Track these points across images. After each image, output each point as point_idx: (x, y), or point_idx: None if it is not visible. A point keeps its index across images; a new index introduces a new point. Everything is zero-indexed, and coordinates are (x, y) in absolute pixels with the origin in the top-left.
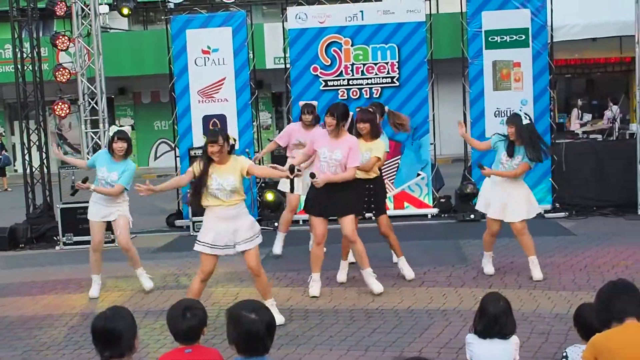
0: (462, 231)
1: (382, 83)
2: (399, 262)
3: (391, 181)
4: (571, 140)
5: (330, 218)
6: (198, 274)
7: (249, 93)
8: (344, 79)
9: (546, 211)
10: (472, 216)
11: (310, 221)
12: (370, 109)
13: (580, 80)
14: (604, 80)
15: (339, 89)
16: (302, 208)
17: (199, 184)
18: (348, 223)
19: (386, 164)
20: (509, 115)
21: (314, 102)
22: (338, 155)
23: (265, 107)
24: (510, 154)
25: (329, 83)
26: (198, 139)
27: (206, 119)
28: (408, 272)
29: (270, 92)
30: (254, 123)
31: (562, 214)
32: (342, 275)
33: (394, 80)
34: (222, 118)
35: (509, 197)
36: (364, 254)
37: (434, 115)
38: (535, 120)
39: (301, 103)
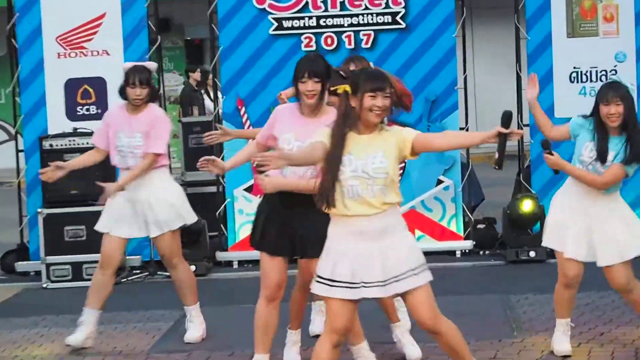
0: (515, 279)
1: (377, 24)
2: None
3: None
4: None
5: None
6: (326, 333)
7: (147, 41)
8: (310, 17)
9: None
10: (531, 254)
11: (261, 263)
12: (346, 71)
13: None
14: None
15: (302, 34)
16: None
17: (332, 163)
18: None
19: None
20: (604, 82)
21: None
22: None
23: (175, 64)
24: (604, 151)
25: (286, 24)
26: (57, 121)
27: (72, 86)
28: (412, 350)
29: (184, 38)
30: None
31: None
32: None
33: (397, 18)
34: (98, 84)
35: (599, 223)
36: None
37: (466, 79)
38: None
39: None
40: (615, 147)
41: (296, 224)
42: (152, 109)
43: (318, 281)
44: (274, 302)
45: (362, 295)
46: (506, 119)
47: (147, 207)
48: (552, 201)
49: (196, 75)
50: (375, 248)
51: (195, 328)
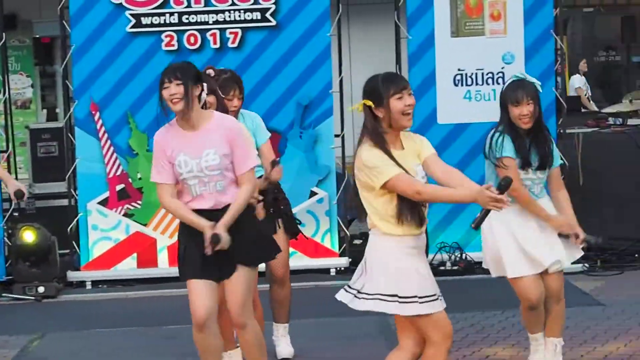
0: None
1: (245, 21)
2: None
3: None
4: (594, 130)
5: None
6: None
7: None
8: (172, 14)
9: None
10: (493, 275)
11: (189, 288)
12: (210, 72)
13: (610, 18)
14: None
15: (162, 32)
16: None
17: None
18: (238, 290)
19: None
20: (510, 81)
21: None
22: (211, 157)
23: (21, 65)
24: (528, 156)
25: (144, 20)
26: None
27: None
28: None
29: (32, 36)
30: (0, 96)
31: (577, 266)
32: None
33: (267, 15)
34: None
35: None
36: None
37: (342, 82)
38: None
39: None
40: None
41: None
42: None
43: (419, 302)
44: (205, 329)
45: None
46: (506, 186)
47: None
48: (489, 235)
49: None
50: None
51: None
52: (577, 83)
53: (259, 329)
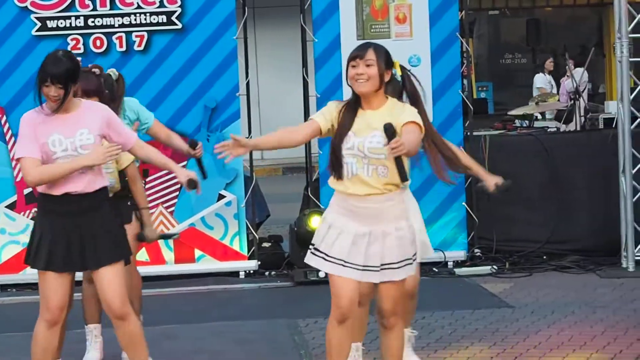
0: (304, 302)
1: (151, 24)
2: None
3: (168, 209)
4: (501, 132)
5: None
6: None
7: None
8: (77, 17)
9: (458, 263)
10: (321, 274)
11: (41, 283)
12: (95, 70)
13: (515, 21)
14: (559, 21)
15: (68, 35)
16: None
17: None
18: (114, 281)
19: (153, 179)
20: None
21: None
22: (85, 136)
23: None
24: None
25: (50, 24)
26: None
27: None
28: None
29: None
30: None
31: (485, 268)
32: None
33: (173, 18)
34: None
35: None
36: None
37: (249, 85)
38: (435, 94)
39: None
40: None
41: (81, 233)
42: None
43: (315, 253)
44: (55, 326)
45: (359, 277)
46: (390, 132)
47: None
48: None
49: None
50: (366, 231)
51: None
52: (540, 83)
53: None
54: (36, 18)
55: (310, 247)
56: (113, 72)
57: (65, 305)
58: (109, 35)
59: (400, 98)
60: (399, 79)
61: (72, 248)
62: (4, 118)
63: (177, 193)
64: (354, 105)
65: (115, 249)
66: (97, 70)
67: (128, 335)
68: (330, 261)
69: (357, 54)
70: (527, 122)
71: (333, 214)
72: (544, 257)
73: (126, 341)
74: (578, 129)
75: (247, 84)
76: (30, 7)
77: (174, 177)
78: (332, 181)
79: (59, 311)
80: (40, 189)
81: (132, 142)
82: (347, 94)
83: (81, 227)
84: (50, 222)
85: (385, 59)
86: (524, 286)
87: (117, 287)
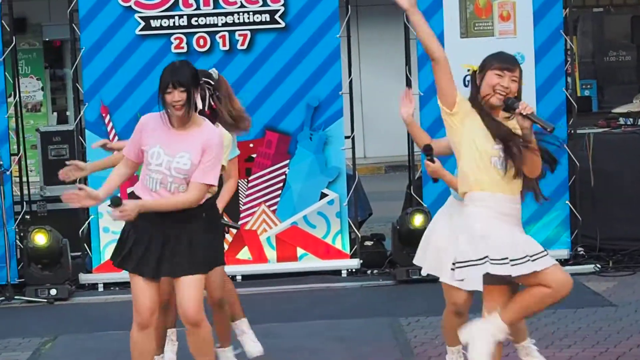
0: (406, 301)
1: (254, 23)
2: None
3: (271, 208)
4: (605, 130)
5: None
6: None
7: (0, 42)
8: (181, 16)
9: (561, 262)
10: (423, 273)
11: (132, 286)
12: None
13: (619, 18)
14: None
15: (171, 34)
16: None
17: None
18: (191, 290)
19: (256, 177)
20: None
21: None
22: (184, 160)
23: (32, 68)
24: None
25: (154, 23)
26: None
27: None
28: (252, 346)
29: (42, 39)
30: (11, 99)
31: (589, 267)
32: None
33: (276, 17)
34: None
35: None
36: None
37: (352, 83)
38: (538, 92)
39: None
40: None
41: (170, 241)
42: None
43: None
44: (147, 329)
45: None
46: (511, 102)
47: None
48: (435, 221)
49: None
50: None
51: None
52: None
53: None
54: (140, 17)
55: (480, 261)
56: (214, 72)
57: (156, 309)
58: (212, 34)
59: None
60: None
61: (151, 253)
62: (108, 117)
63: (280, 192)
64: (488, 111)
65: (201, 261)
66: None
67: (200, 342)
68: (505, 264)
69: (508, 67)
70: (631, 120)
71: (483, 222)
72: None
73: (197, 348)
74: None
75: (350, 82)
76: (134, 7)
77: (277, 176)
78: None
79: (149, 314)
80: (137, 192)
81: (195, 180)
82: None
83: (170, 236)
84: (144, 226)
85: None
86: (627, 285)
87: (195, 294)
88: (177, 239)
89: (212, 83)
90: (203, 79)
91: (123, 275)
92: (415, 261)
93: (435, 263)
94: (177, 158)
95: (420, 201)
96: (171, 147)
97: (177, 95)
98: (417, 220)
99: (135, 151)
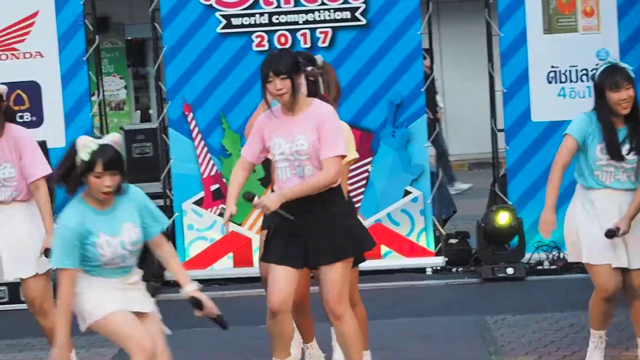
0: (492, 299)
1: (335, 20)
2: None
3: (354, 206)
4: None
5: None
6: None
7: (84, 42)
8: (262, 14)
9: None
10: (509, 271)
11: (269, 275)
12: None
13: None
14: None
15: (252, 33)
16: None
17: None
18: (336, 277)
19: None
20: (601, 66)
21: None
22: (301, 141)
23: (115, 67)
24: (618, 146)
25: (235, 21)
26: None
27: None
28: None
29: (124, 38)
30: (94, 98)
31: None
32: None
33: (357, 14)
34: (32, 89)
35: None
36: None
37: (433, 79)
38: None
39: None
40: (624, 138)
41: (306, 231)
42: (15, 130)
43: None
44: (278, 315)
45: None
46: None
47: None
48: (572, 203)
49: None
50: None
51: None
52: None
53: (356, 322)
54: (221, 16)
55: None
56: (319, 58)
57: (287, 298)
58: (293, 32)
59: None
60: None
61: (292, 244)
62: (191, 115)
63: (363, 189)
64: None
65: (339, 249)
66: (311, 77)
67: (342, 334)
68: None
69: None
70: None
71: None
72: None
73: (341, 340)
74: None
75: (432, 79)
76: (215, 5)
77: (360, 174)
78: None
79: (279, 303)
80: (275, 189)
81: (324, 155)
82: (533, 89)
83: (304, 226)
84: (276, 218)
85: None
86: None
87: (336, 285)
88: (316, 227)
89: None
90: (307, 69)
91: (208, 272)
92: (572, 259)
93: (604, 250)
94: (295, 141)
95: (505, 198)
96: (288, 133)
97: (278, 84)
98: (502, 217)
99: (255, 151)
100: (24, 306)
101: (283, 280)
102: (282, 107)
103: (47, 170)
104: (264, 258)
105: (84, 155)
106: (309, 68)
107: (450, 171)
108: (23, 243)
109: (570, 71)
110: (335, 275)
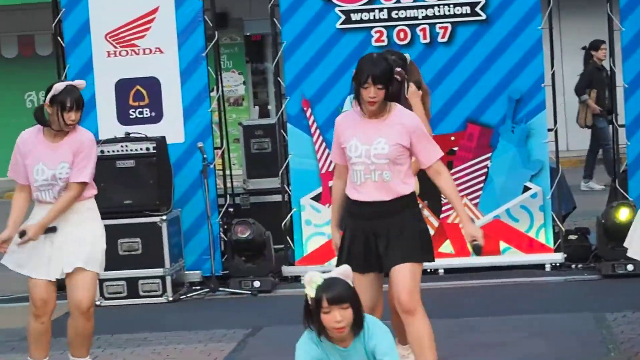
0: (612, 295)
1: (455, 15)
2: None
3: (473, 201)
4: None
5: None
6: None
7: (203, 38)
8: (381, 9)
9: None
10: (629, 267)
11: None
12: (400, 73)
13: None
14: None
15: (372, 28)
16: None
17: None
18: (407, 273)
19: (457, 170)
20: None
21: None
22: (381, 145)
23: (234, 63)
24: None
25: (354, 17)
26: (108, 125)
27: (123, 87)
28: None
29: (243, 34)
30: (213, 93)
31: None
32: None
33: (477, 9)
34: (152, 84)
35: None
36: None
37: (554, 76)
38: None
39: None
40: None
41: (377, 236)
42: (80, 133)
43: None
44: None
45: None
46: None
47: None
48: None
49: (600, 54)
50: None
51: None
52: None
53: (428, 320)
54: (340, 11)
55: None
56: (407, 57)
57: (372, 304)
58: (412, 27)
59: None
60: None
61: (369, 249)
62: (309, 110)
63: (482, 185)
64: None
65: (409, 252)
66: (397, 77)
67: (413, 333)
68: None
69: None
70: None
71: None
72: None
73: (412, 338)
74: None
75: (552, 75)
76: (334, 1)
77: (479, 169)
78: None
79: (367, 310)
80: (346, 192)
81: (432, 161)
82: None
83: (376, 231)
84: (352, 223)
85: None
86: None
87: (407, 282)
88: (387, 232)
89: (404, 72)
90: (396, 69)
91: (326, 269)
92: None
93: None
94: (374, 145)
95: (626, 195)
96: (367, 136)
97: (373, 92)
98: (623, 214)
99: (342, 154)
100: (142, 300)
101: (367, 288)
102: (364, 111)
103: (86, 179)
104: (337, 262)
105: (309, 291)
106: (398, 69)
107: (592, 168)
108: (78, 240)
109: None
110: (405, 272)
